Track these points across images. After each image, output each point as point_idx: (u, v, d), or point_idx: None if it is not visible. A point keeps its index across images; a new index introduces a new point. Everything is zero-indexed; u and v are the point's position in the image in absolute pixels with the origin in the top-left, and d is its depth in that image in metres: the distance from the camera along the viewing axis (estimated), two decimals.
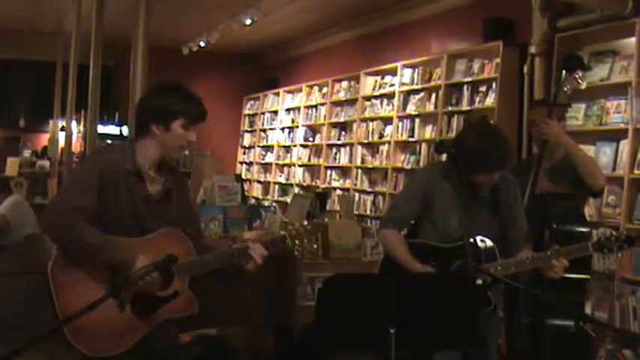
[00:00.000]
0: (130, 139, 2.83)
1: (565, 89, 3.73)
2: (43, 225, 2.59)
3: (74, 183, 2.78)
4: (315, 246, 2.90)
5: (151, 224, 2.68)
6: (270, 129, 11.49)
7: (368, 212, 8.06)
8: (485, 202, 3.11)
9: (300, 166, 10.19)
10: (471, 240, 2.98)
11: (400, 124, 7.69)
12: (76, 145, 11.17)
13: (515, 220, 3.14)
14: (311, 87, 10.20)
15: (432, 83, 7.23)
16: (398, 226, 3.18)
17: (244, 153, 12.53)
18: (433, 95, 7.18)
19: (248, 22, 8.49)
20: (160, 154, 2.73)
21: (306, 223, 2.92)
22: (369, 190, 8.20)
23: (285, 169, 10.75)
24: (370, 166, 8.27)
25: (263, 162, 11.58)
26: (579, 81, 3.76)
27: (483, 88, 6.46)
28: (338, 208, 6.56)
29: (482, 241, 3.03)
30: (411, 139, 7.48)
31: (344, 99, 9.08)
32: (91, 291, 2.51)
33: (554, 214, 3.60)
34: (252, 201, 10.10)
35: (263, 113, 11.83)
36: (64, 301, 2.51)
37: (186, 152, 2.99)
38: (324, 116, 9.54)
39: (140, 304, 2.58)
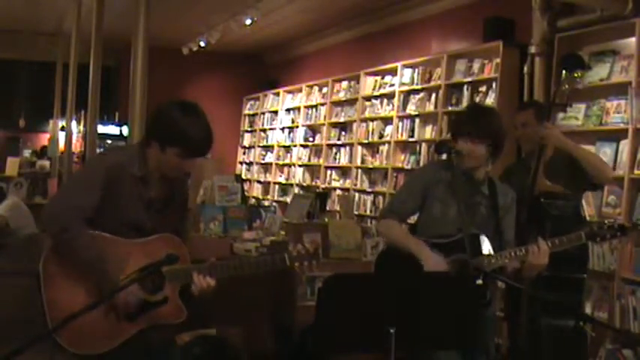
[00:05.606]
0: (140, 142, 2.78)
1: (564, 89, 3.73)
2: (42, 219, 2.59)
3: (77, 181, 2.78)
4: (314, 270, 2.85)
5: (151, 228, 2.67)
6: (270, 129, 11.49)
7: (368, 212, 8.05)
8: (484, 199, 3.12)
9: (300, 166, 10.19)
10: (468, 234, 2.99)
11: (400, 124, 7.69)
12: (76, 145, 11.20)
13: (507, 229, 3.15)
14: (311, 87, 10.19)
15: (432, 83, 7.22)
16: (399, 217, 3.19)
17: (244, 153, 12.53)
18: (433, 95, 7.18)
19: (248, 22, 8.49)
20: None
21: (308, 245, 2.83)
22: (369, 190, 8.19)
23: (285, 169, 10.74)
24: (370, 166, 8.26)
25: (263, 162, 11.58)
26: (578, 80, 3.76)
27: (483, 88, 6.46)
28: (338, 208, 6.56)
29: (477, 235, 3.02)
30: (411, 139, 7.47)
31: (344, 99, 9.08)
32: (81, 289, 2.52)
33: (552, 215, 3.59)
34: (252, 201, 10.09)
35: (263, 113, 11.83)
36: (52, 298, 2.50)
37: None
38: (324, 116, 9.54)
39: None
